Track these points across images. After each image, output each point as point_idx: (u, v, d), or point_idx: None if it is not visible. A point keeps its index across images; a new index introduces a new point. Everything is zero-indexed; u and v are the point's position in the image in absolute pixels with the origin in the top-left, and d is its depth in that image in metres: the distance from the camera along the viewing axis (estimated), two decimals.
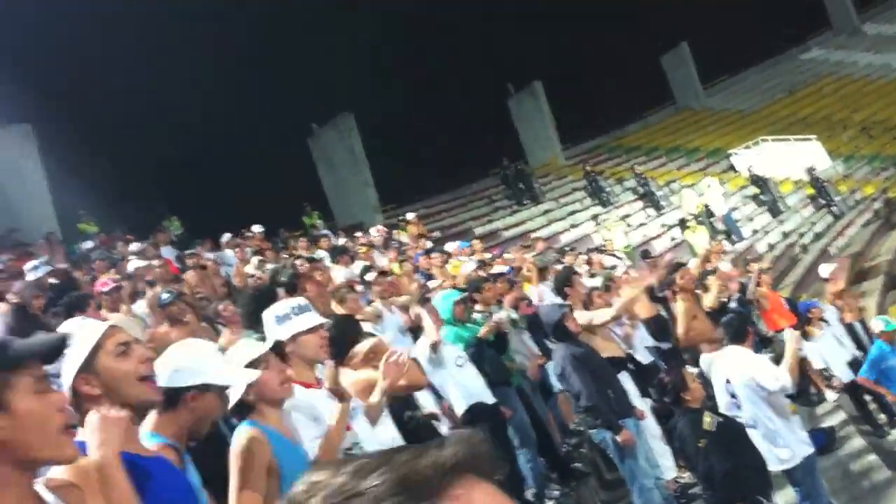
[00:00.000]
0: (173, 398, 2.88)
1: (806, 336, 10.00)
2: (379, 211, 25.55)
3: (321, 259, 12.75)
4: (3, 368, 1.77)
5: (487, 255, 15.12)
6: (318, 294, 7.68)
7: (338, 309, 7.28)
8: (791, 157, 29.98)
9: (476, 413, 6.76)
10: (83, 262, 12.85)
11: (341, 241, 16.72)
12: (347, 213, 25.73)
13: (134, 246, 14.63)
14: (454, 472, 0.86)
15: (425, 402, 6.67)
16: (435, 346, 6.87)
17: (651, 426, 7.32)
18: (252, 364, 3.44)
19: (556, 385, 8.21)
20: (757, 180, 28.22)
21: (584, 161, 30.58)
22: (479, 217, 26.84)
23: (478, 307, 8.72)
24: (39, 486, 1.90)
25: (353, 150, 26.18)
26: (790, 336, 6.46)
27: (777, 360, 7.21)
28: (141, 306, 8.83)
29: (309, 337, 4.05)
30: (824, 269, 12.68)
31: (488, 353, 7.55)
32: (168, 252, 15.03)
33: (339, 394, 3.78)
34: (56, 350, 1.94)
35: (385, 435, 4.39)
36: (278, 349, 3.74)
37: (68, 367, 2.49)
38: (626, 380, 7.49)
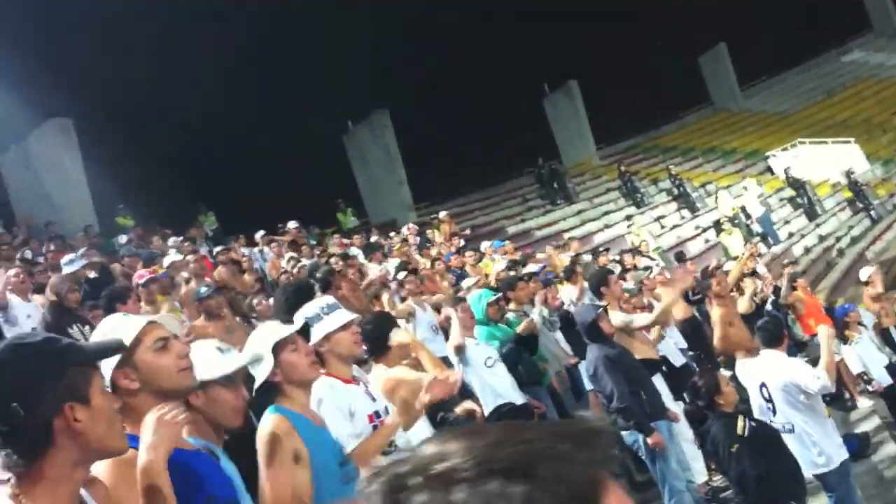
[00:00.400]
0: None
1: (844, 340, 9.88)
2: (412, 209, 25.63)
3: (355, 256, 12.84)
4: (86, 365, 1.95)
5: (517, 255, 15.10)
6: (353, 292, 7.75)
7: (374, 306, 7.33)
8: (829, 160, 29.62)
9: (504, 414, 6.77)
10: (120, 256, 12.98)
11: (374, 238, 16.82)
12: (381, 211, 25.84)
13: (172, 240, 14.82)
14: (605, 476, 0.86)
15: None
16: (458, 350, 6.88)
17: (683, 429, 7.28)
18: (279, 344, 3.43)
19: (588, 385, 8.20)
20: (794, 183, 27.92)
21: (619, 161, 30.42)
22: (512, 216, 26.81)
23: (511, 306, 8.74)
24: None
25: (388, 148, 26.27)
26: (825, 333, 6.40)
27: (812, 363, 7.14)
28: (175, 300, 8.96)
29: (342, 334, 4.05)
30: (864, 273, 12.53)
31: (522, 353, 7.56)
32: (203, 247, 15.20)
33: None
34: (114, 352, 2.22)
35: (418, 436, 4.40)
36: (306, 332, 3.73)
37: (108, 362, 2.52)
38: (658, 382, 7.46)
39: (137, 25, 23.35)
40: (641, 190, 28.05)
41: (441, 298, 9.53)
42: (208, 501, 2.55)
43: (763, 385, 6.51)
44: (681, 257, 17.13)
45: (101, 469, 2.22)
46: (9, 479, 1.87)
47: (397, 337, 4.93)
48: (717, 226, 24.38)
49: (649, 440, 6.46)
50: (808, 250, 24.02)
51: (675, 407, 7.31)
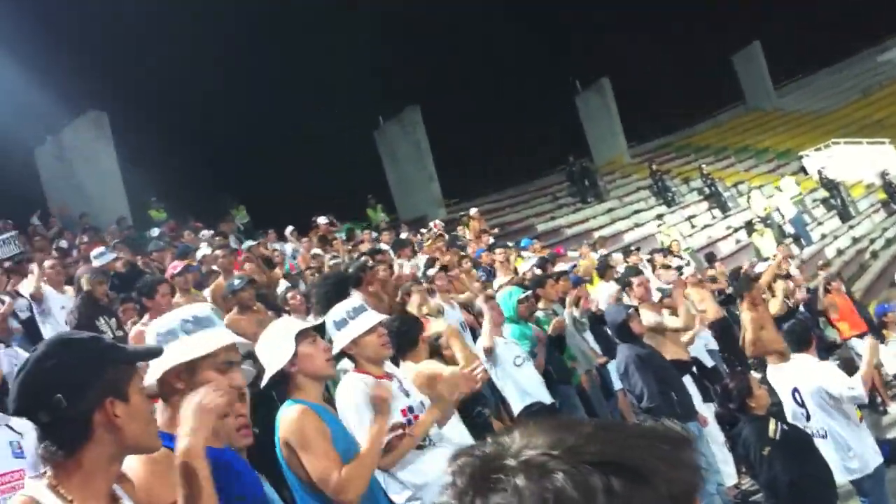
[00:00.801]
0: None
1: (882, 339, 9.78)
2: (442, 205, 25.66)
3: (386, 251, 12.83)
4: (127, 363, 2.03)
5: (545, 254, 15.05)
6: (383, 288, 7.75)
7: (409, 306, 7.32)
8: (863, 161, 29.27)
9: (533, 413, 6.75)
10: (148, 252, 13.06)
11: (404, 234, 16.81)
12: (411, 207, 25.87)
13: (203, 234, 14.93)
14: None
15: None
16: (488, 351, 6.87)
17: (714, 432, 7.24)
18: (301, 333, 3.48)
19: (617, 384, 8.16)
20: (828, 183, 27.61)
21: (651, 160, 30.28)
22: (542, 214, 26.77)
23: (540, 305, 8.72)
24: None
25: (419, 144, 26.31)
26: (870, 345, 6.32)
27: (843, 366, 7.07)
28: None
29: (369, 338, 4.06)
30: None
31: (552, 352, 7.54)
32: (233, 241, 15.28)
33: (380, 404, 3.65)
34: (152, 356, 2.38)
35: (453, 431, 4.40)
36: (322, 331, 3.76)
37: (173, 356, 2.55)
38: (688, 384, 7.41)
39: (174, 21, 23.50)
40: (672, 189, 27.90)
41: (469, 297, 9.53)
42: (238, 500, 2.56)
43: (795, 390, 6.44)
44: (711, 258, 16.95)
45: (132, 464, 2.25)
46: (45, 472, 1.93)
47: (434, 327, 4.95)
48: (749, 226, 24.16)
49: None
50: (841, 252, 23.73)
51: (705, 409, 7.27)
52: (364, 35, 28.88)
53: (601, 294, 10.30)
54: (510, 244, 15.62)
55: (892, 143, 30.23)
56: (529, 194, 29.18)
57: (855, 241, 24.86)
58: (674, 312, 8.20)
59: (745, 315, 8.89)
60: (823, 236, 25.05)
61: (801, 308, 11.43)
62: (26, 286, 9.00)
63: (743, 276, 10.50)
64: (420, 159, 26.28)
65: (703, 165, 28.97)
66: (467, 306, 9.20)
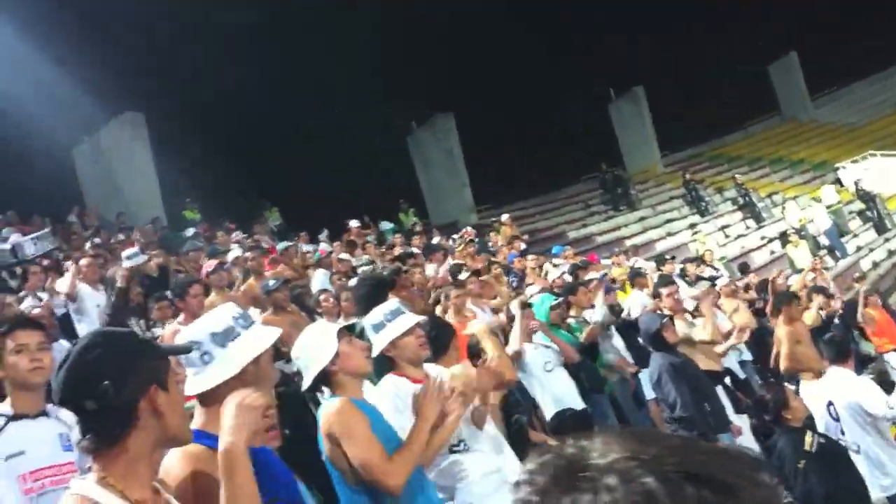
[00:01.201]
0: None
1: None
2: (474, 211, 25.65)
3: (417, 254, 12.87)
4: (163, 357, 2.14)
5: (577, 261, 15.00)
6: (413, 294, 7.78)
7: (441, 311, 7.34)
8: None
9: (564, 419, 6.73)
10: (184, 252, 13.16)
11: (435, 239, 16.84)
12: (442, 213, 25.91)
13: (235, 235, 15.03)
14: None
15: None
16: (516, 356, 6.85)
17: (748, 443, 7.15)
18: (343, 329, 3.58)
19: (649, 393, 8.10)
20: (864, 195, 27.28)
21: (684, 169, 30.09)
22: (573, 221, 26.66)
23: (571, 312, 8.70)
24: None
25: (451, 150, 26.34)
26: None
27: (877, 379, 6.97)
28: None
29: (406, 339, 4.09)
30: None
31: (584, 360, 7.51)
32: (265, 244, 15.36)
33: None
34: (184, 353, 2.53)
35: (484, 437, 4.39)
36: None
37: (249, 348, 2.63)
38: (721, 395, 7.34)
39: (214, 23, 23.71)
40: (706, 198, 27.69)
41: (500, 302, 9.53)
42: (273, 501, 2.56)
43: (830, 403, 6.38)
44: (745, 268, 16.82)
45: (171, 461, 2.32)
46: (90, 468, 1.97)
47: (472, 327, 4.99)
48: (784, 237, 23.93)
49: None
50: (876, 265, 23.42)
51: (739, 420, 7.19)
52: (401, 43, 28.99)
53: (633, 302, 10.25)
54: (542, 252, 15.57)
55: None
56: (561, 201, 29.10)
57: (891, 253, 24.53)
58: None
59: (781, 329, 8.74)
60: (859, 248, 24.75)
61: (836, 321, 11.30)
62: (62, 284, 9.09)
63: (782, 291, 10.38)
64: (452, 165, 26.31)
65: (737, 175, 28.73)
66: (498, 311, 9.20)
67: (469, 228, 18.67)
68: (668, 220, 26.55)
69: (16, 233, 12.64)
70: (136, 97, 20.47)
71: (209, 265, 8.89)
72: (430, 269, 11.84)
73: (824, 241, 24.01)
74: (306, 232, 17.07)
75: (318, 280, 10.45)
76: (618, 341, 8.87)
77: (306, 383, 3.56)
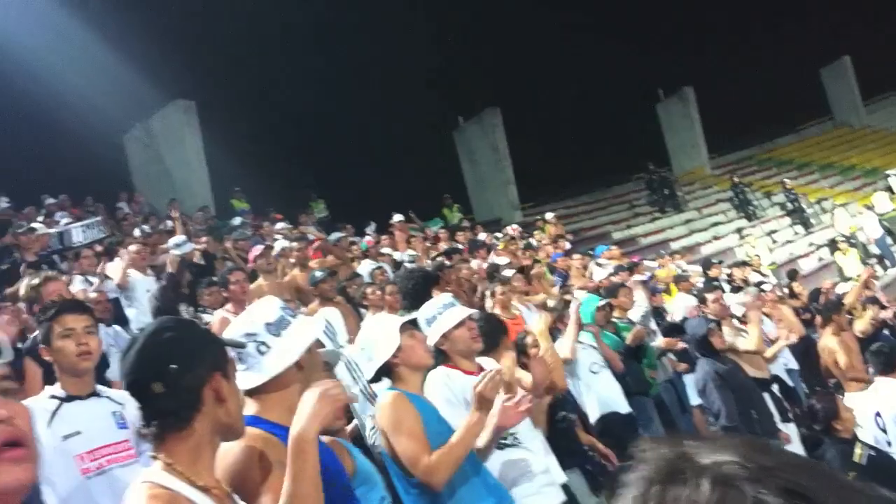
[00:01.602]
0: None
1: None
2: (518, 208, 25.58)
3: (462, 250, 12.88)
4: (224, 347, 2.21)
5: (624, 261, 14.91)
6: (459, 288, 7.79)
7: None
8: None
9: (609, 422, 6.69)
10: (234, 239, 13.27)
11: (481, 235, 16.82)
12: (487, 209, 25.88)
13: (280, 226, 15.13)
14: None
15: None
16: (567, 362, 6.81)
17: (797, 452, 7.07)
18: (406, 324, 3.64)
19: (694, 399, 8.02)
20: None
21: (732, 172, 29.70)
22: (618, 221, 26.48)
23: (615, 313, 8.64)
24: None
25: (497, 146, 26.27)
26: None
27: None
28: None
29: (459, 332, 4.13)
30: None
31: (630, 362, 7.46)
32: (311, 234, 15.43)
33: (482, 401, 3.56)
34: (238, 347, 2.53)
35: (528, 435, 4.39)
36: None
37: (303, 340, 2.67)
38: (768, 403, 7.25)
39: (267, 14, 23.92)
40: (754, 202, 27.32)
41: (544, 299, 9.49)
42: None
43: (878, 414, 6.27)
44: (793, 275, 16.54)
45: (229, 449, 2.33)
46: (155, 457, 2.00)
47: (531, 325, 5.00)
48: (833, 244, 23.52)
49: None
50: None
51: (786, 429, 7.10)
52: (449, 36, 28.98)
53: (678, 305, 10.17)
54: (589, 251, 15.48)
55: None
56: (606, 201, 28.92)
57: None
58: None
59: (830, 339, 8.57)
60: None
61: (886, 332, 11.09)
62: (112, 269, 9.21)
63: (831, 300, 10.19)
64: (498, 161, 26.25)
65: (786, 180, 28.29)
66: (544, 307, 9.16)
67: (515, 226, 18.62)
68: (715, 224, 26.23)
69: (69, 218, 12.83)
70: (188, 85, 20.71)
71: (256, 249, 9.02)
72: (474, 265, 11.84)
73: (874, 249, 23.56)
74: (351, 224, 17.13)
75: (367, 272, 10.50)
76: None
77: (370, 374, 3.64)
